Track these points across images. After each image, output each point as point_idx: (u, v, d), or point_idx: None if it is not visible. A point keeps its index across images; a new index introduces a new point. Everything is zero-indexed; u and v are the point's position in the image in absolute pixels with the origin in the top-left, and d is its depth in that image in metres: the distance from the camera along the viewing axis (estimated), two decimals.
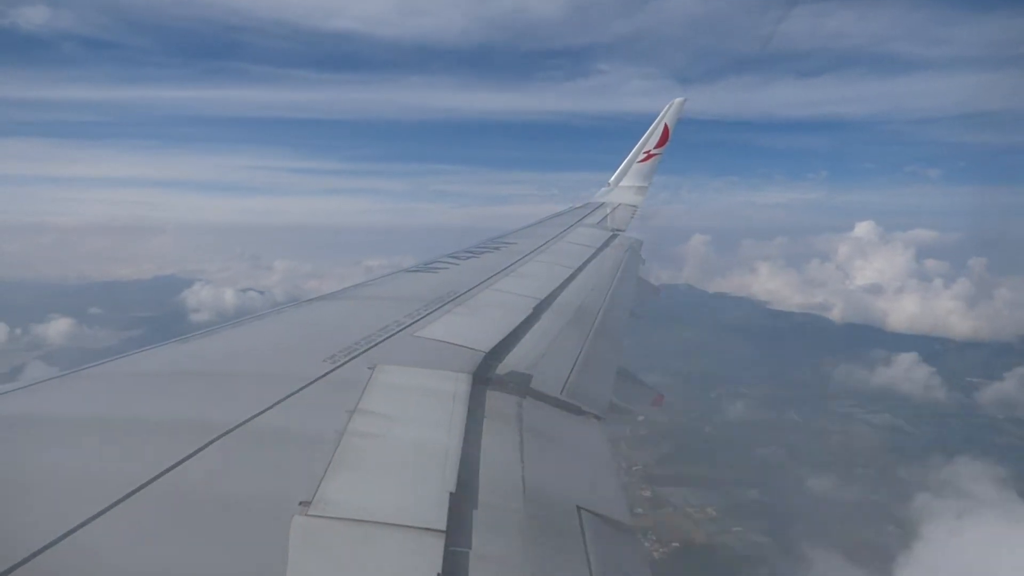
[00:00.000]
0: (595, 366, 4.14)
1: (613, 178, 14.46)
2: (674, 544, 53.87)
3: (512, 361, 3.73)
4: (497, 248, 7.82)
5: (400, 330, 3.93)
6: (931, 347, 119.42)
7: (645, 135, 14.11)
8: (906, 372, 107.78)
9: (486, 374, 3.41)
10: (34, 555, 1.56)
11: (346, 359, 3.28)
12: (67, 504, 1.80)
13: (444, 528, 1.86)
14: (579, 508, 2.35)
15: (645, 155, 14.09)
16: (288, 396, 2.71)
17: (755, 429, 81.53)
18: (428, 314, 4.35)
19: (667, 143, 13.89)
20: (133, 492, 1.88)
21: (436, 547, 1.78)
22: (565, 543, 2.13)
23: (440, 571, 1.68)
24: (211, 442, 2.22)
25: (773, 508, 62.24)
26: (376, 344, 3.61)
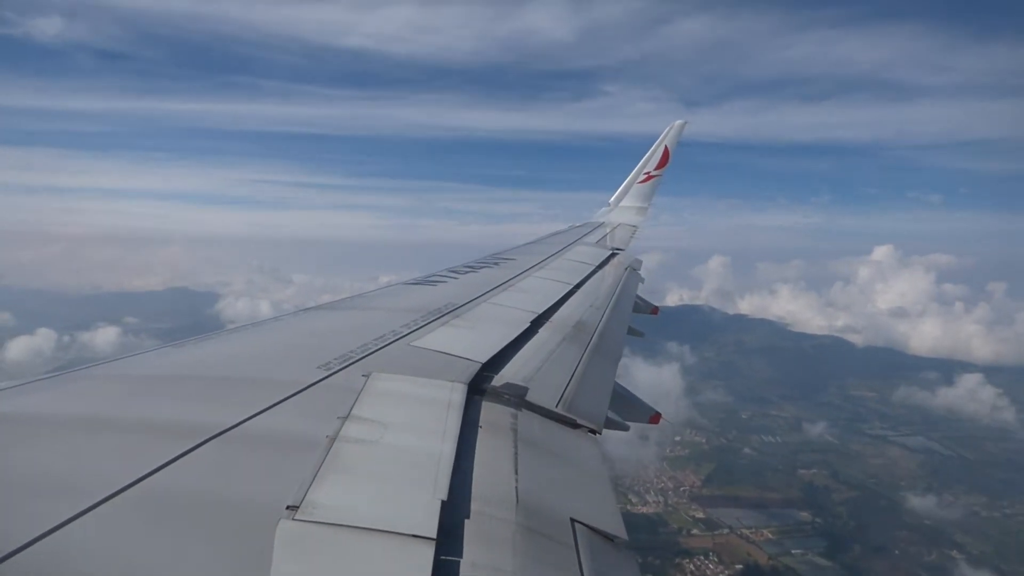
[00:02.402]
0: (592, 381, 4.10)
1: (613, 198, 14.54)
2: (737, 566, 54.63)
3: (508, 373, 3.70)
4: (496, 264, 7.81)
5: (396, 339, 3.90)
6: (953, 371, 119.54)
7: (646, 156, 14.23)
8: (935, 395, 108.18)
9: (481, 385, 3.37)
10: (18, 551, 1.52)
11: (340, 366, 3.24)
12: (54, 502, 1.76)
13: (434, 536, 1.81)
14: (573, 520, 2.31)
15: (645, 176, 14.19)
16: (280, 401, 2.67)
17: (794, 450, 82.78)
18: (425, 325, 4.32)
19: (667, 164, 14.00)
20: (121, 491, 1.84)
21: (425, 555, 1.73)
22: (558, 555, 2.08)
23: None
24: (200, 444, 2.18)
25: (828, 530, 62.78)
26: (371, 353, 3.57)
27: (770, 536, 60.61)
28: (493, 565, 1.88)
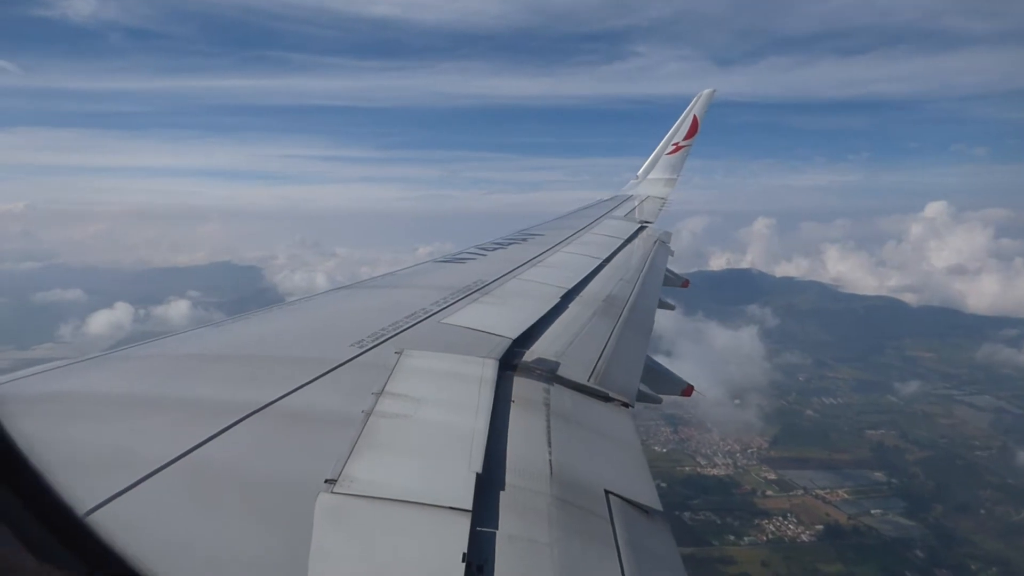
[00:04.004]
0: (623, 355, 4.08)
1: (641, 170, 14.31)
2: (817, 527, 53.52)
3: (539, 348, 3.70)
4: (525, 240, 7.79)
5: (427, 317, 3.93)
6: (1018, 329, 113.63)
7: (674, 127, 13.93)
8: (1000, 352, 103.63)
9: (513, 360, 3.38)
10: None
11: (373, 344, 3.29)
12: (99, 478, 1.82)
13: (470, 508, 1.84)
14: (607, 492, 2.31)
15: (674, 147, 13.91)
16: (316, 378, 2.73)
17: (858, 411, 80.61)
18: (455, 302, 4.34)
19: (696, 134, 13.68)
20: (164, 467, 1.90)
21: (462, 526, 1.76)
22: (593, 526, 2.10)
23: (466, 550, 1.66)
24: (240, 420, 2.24)
25: (906, 491, 60.84)
26: (403, 330, 3.61)
27: (846, 496, 59.21)
28: (528, 536, 1.90)
